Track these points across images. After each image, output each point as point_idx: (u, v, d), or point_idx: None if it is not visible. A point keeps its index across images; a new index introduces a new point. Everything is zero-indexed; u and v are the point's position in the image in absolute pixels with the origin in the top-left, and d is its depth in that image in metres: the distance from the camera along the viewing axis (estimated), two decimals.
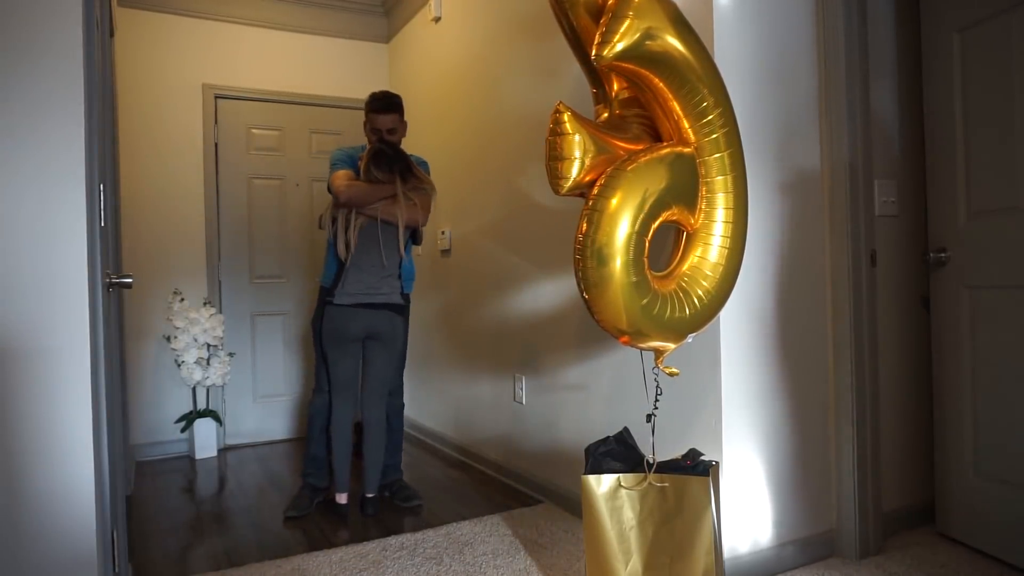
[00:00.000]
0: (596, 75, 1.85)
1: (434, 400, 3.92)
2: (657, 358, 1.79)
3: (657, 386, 1.88)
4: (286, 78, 4.17)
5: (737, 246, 1.74)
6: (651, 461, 1.80)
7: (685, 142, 1.68)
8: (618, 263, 1.55)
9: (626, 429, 1.89)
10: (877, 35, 2.34)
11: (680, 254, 1.75)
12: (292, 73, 4.19)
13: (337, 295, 2.69)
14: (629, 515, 1.80)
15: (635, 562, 1.79)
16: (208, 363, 3.69)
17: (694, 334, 1.74)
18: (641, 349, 1.76)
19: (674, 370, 1.78)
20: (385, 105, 2.81)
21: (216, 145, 4.00)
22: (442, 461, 3.55)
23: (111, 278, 1.67)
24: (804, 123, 2.19)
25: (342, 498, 2.74)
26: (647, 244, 1.60)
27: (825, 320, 2.22)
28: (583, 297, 1.63)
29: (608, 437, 1.87)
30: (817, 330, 2.21)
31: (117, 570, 1.71)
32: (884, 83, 2.39)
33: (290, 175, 4.21)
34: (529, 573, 2.16)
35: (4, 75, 1.32)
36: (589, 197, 1.60)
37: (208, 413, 3.75)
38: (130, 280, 1.77)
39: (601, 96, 1.87)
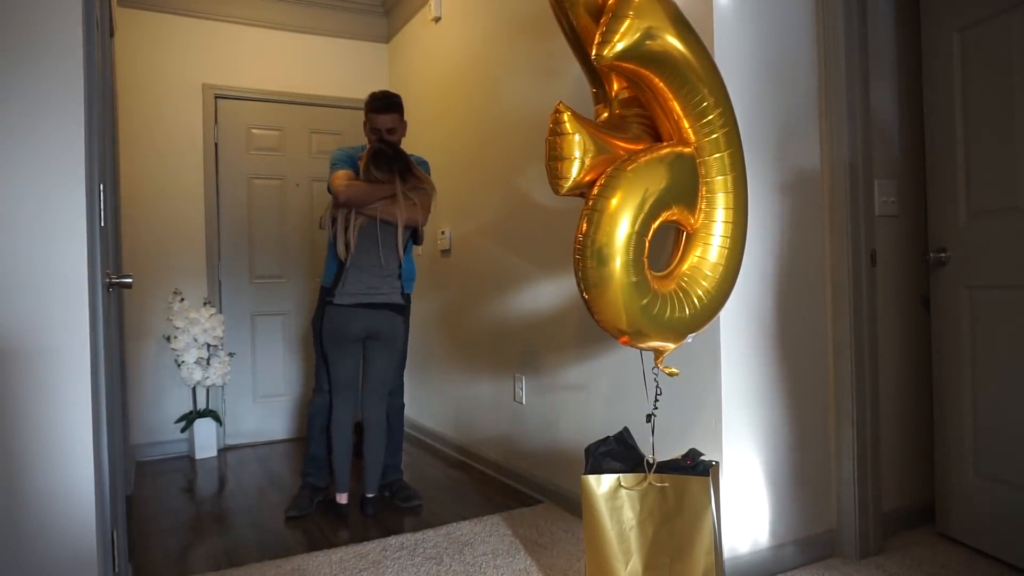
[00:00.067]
0: (596, 75, 1.85)
1: (434, 400, 3.92)
2: (657, 358, 1.79)
3: (657, 386, 1.88)
4: (286, 78, 4.17)
5: (737, 246, 1.74)
6: (651, 461, 1.80)
7: (685, 142, 1.68)
8: (618, 263, 1.55)
9: (626, 429, 1.89)
10: (877, 35, 2.34)
11: (680, 254, 1.75)
12: (292, 73, 4.19)
13: (337, 295, 2.69)
14: (629, 515, 1.80)
15: (635, 562, 1.79)
16: (208, 363, 3.69)
17: (694, 334, 1.74)
18: (641, 349, 1.76)
19: (674, 370, 1.78)
20: (385, 105, 2.81)
21: (216, 145, 4.00)
22: (442, 461, 3.55)
23: (111, 278, 1.67)
24: (804, 123, 2.19)
25: (342, 498, 2.74)
26: (647, 244, 1.60)
27: (825, 320, 2.22)
28: (583, 297, 1.63)
29: (608, 437, 1.87)
30: (817, 330, 2.21)
31: (117, 570, 1.71)
32: (884, 83, 2.39)
33: (290, 175, 4.21)
34: (529, 573, 2.16)
35: (4, 75, 1.32)
36: (589, 197, 1.60)
37: (208, 413, 3.75)
38: (130, 280, 1.77)
39: (601, 96, 1.87)
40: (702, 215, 1.71)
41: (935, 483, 2.34)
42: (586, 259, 1.57)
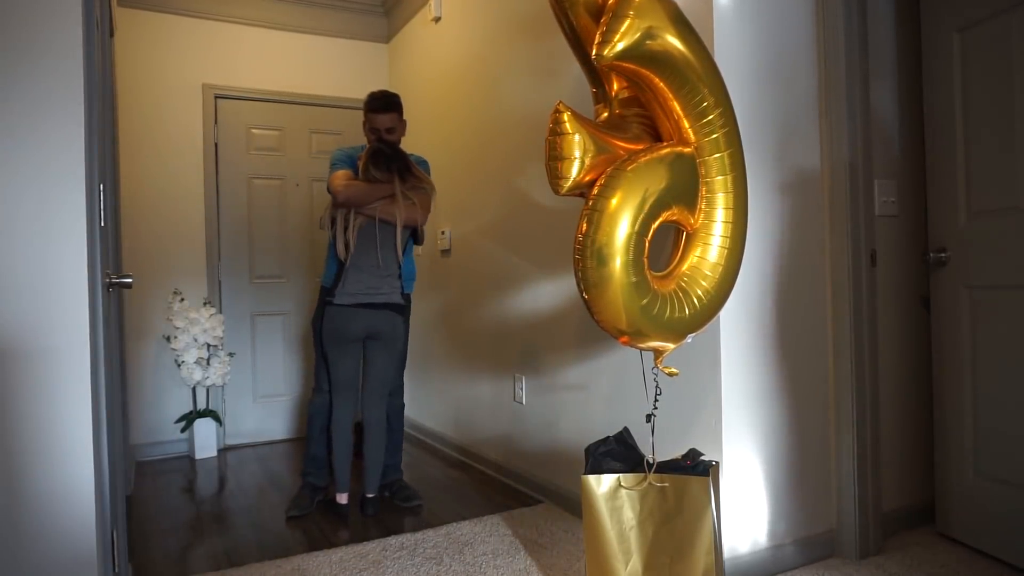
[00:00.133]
0: (596, 75, 1.85)
1: (434, 400, 3.92)
2: (656, 358, 1.79)
3: (657, 386, 1.88)
4: (286, 78, 4.17)
5: (737, 246, 1.74)
6: (651, 461, 1.80)
7: (685, 142, 1.68)
8: (618, 263, 1.55)
9: (626, 429, 1.89)
10: (877, 35, 2.34)
11: (680, 254, 1.75)
12: (292, 73, 4.19)
13: (337, 295, 2.69)
14: (629, 515, 1.80)
15: (635, 562, 1.79)
16: (208, 363, 3.69)
17: (693, 334, 1.74)
18: (641, 349, 1.76)
19: (673, 370, 1.78)
20: (383, 104, 2.81)
21: (216, 145, 4.00)
22: (442, 461, 3.55)
23: (111, 278, 1.67)
24: (804, 123, 2.19)
25: (342, 498, 2.74)
26: (647, 244, 1.60)
27: (825, 320, 2.22)
28: (583, 297, 1.63)
29: (608, 437, 1.87)
30: (817, 330, 2.21)
31: (117, 570, 1.71)
32: (884, 83, 2.39)
33: (290, 175, 4.21)
34: (529, 573, 2.16)
35: (4, 75, 1.32)
36: (589, 197, 1.60)
37: (208, 413, 3.75)
38: (130, 280, 1.77)
39: (601, 96, 1.87)
40: (702, 215, 1.71)
41: (935, 483, 2.34)
42: (586, 259, 1.57)
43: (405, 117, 2.91)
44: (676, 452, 1.86)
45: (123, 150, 3.60)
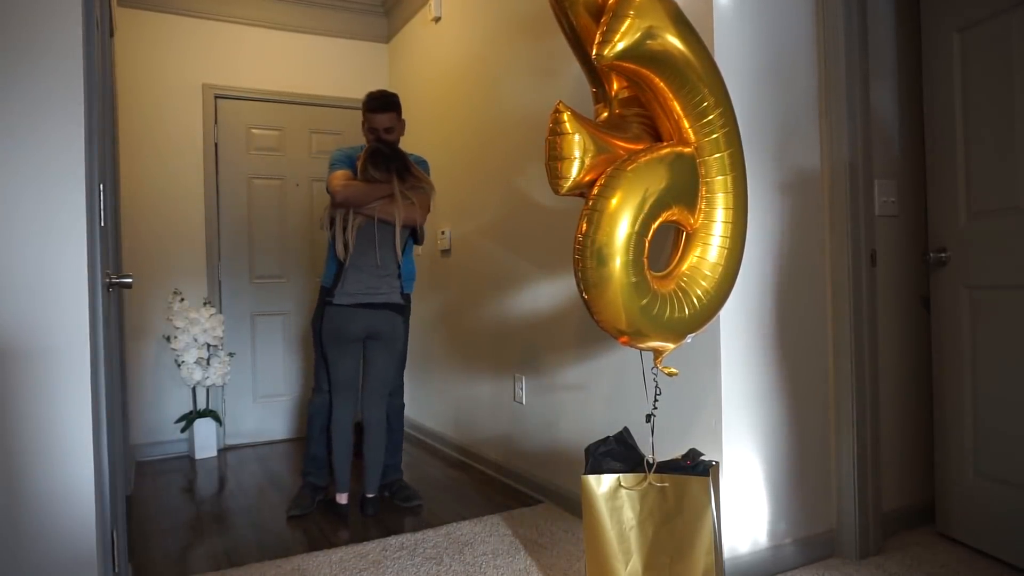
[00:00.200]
0: (596, 74, 1.85)
1: (434, 400, 3.92)
2: (656, 358, 1.79)
3: (656, 386, 1.88)
4: (286, 78, 4.17)
5: (736, 246, 1.73)
6: (651, 461, 1.80)
7: (685, 142, 1.68)
8: (618, 263, 1.55)
9: (626, 429, 1.89)
10: (877, 35, 2.34)
11: (679, 254, 1.75)
12: (292, 73, 4.19)
13: (337, 295, 2.69)
14: (629, 515, 1.80)
15: (635, 562, 1.79)
16: (208, 363, 3.69)
17: (693, 334, 1.74)
18: (640, 349, 1.76)
19: (673, 370, 1.78)
20: (382, 104, 2.81)
21: (216, 145, 4.00)
22: (442, 461, 3.55)
23: (111, 278, 1.67)
24: (804, 123, 2.19)
25: (342, 498, 2.74)
26: (647, 244, 1.60)
27: (825, 320, 2.22)
28: (583, 297, 1.63)
29: (608, 437, 1.87)
30: (817, 330, 2.21)
31: (117, 570, 1.71)
32: (884, 83, 2.39)
33: (290, 175, 4.21)
34: (529, 573, 2.16)
35: (4, 75, 1.32)
36: (589, 197, 1.60)
37: (208, 413, 3.75)
38: (130, 280, 1.77)
39: (601, 95, 1.87)
40: (702, 215, 1.71)
41: (935, 483, 2.34)
42: (586, 259, 1.57)
43: (404, 117, 2.91)
44: (676, 452, 1.86)
45: (123, 150, 3.60)
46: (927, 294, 2.42)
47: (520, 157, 3.02)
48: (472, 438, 3.49)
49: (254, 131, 4.12)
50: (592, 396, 2.57)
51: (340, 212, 2.68)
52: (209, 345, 3.70)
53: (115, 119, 2.97)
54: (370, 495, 2.74)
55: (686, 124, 1.67)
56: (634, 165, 1.59)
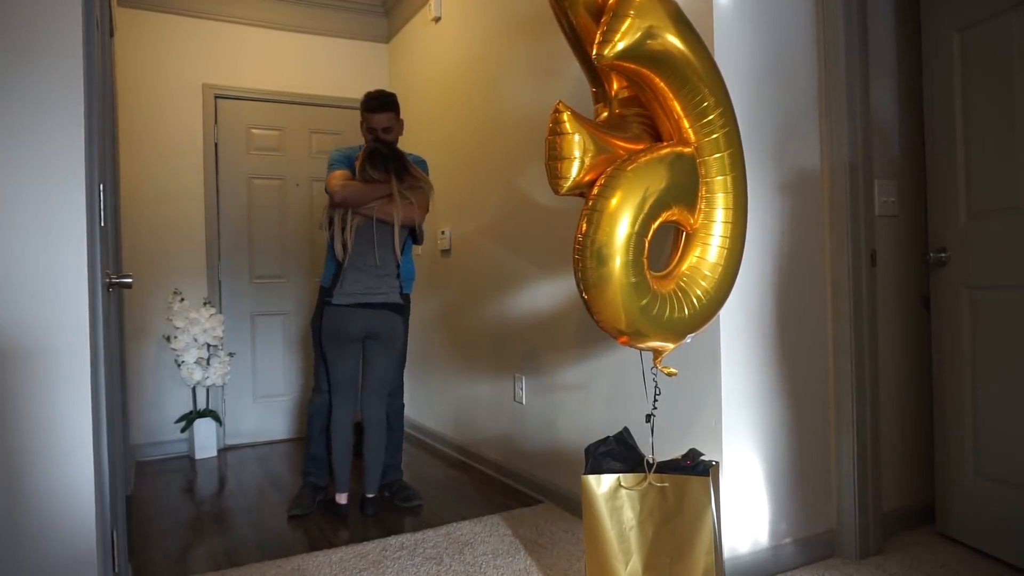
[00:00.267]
0: (596, 74, 1.85)
1: (434, 400, 3.92)
2: (656, 358, 1.79)
3: (656, 386, 1.88)
4: (286, 78, 4.17)
5: (736, 246, 1.73)
6: (651, 461, 1.80)
7: (685, 142, 1.68)
8: (617, 263, 1.55)
9: (626, 429, 1.89)
10: (877, 35, 2.34)
11: (679, 254, 1.75)
12: (292, 73, 4.19)
13: (336, 295, 2.69)
14: (629, 515, 1.80)
15: (635, 562, 1.79)
16: (208, 363, 3.69)
17: (693, 334, 1.74)
18: (640, 349, 1.76)
19: (672, 370, 1.78)
20: (380, 104, 2.81)
21: (216, 145, 4.00)
22: (442, 461, 3.55)
23: (111, 278, 1.67)
24: (804, 123, 2.19)
25: (342, 498, 2.74)
26: (647, 244, 1.60)
27: (825, 320, 2.22)
28: (582, 297, 1.63)
29: (608, 437, 1.87)
30: (817, 330, 2.21)
31: (117, 570, 1.71)
32: (884, 83, 2.39)
33: (290, 175, 4.21)
34: (529, 573, 2.16)
35: (4, 75, 1.32)
36: (589, 197, 1.60)
37: (208, 413, 3.75)
38: (130, 280, 1.77)
39: (601, 95, 1.87)
40: (702, 215, 1.71)
41: (935, 483, 2.34)
42: (585, 259, 1.57)
43: (404, 117, 2.91)
44: (676, 452, 1.86)
45: (123, 150, 3.60)
46: (927, 294, 2.42)
47: (520, 157, 3.02)
48: (472, 438, 3.49)
49: (254, 131, 4.12)
50: (592, 396, 2.57)
51: (338, 212, 2.68)
52: (209, 345, 3.70)
53: (115, 119, 2.97)
54: (370, 495, 2.74)
55: (686, 124, 1.67)
56: (634, 165, 1.59)
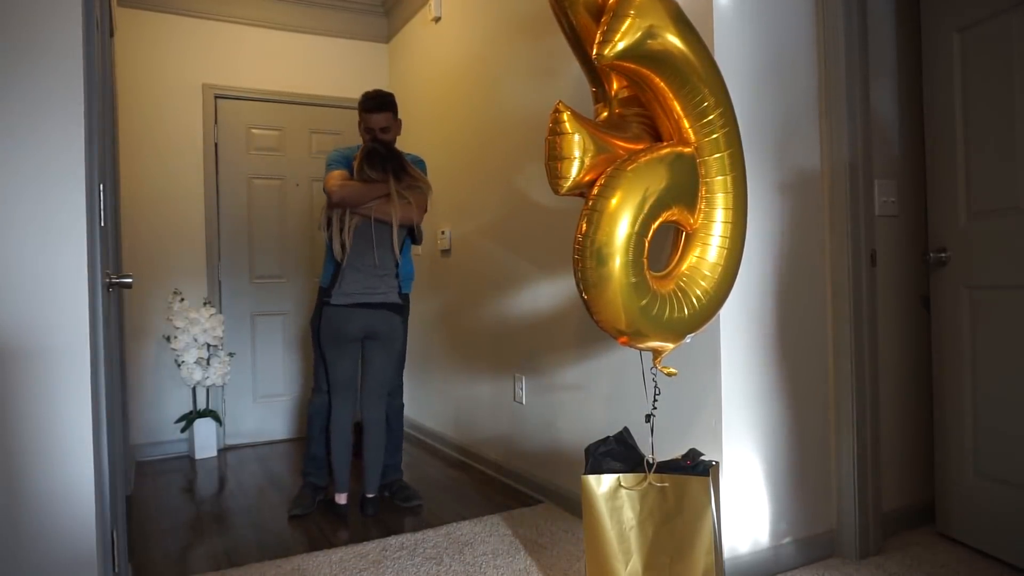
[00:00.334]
0: (596, 74, 1.85)
1: (434, 400, 3.92)
2: (656, 358, 1.79)
3: (656, 386, 1.88)
4: (286, 78, 4.17)
5: (736, 246, 1.73)
6: (651, 461, 1.80)
7: (685, 142, 1.68)
8: (617, 263, 1.55)
9: (626, 429, 1.89)
10: (877, 35, 2.34)
11: (679, 254, 1.75)
12: (292, 73, 4.19)
13: (334, 295, 2.69)
14: (629, 515, 1.80)
15: (635, 562, 1.79)
16: (208, 363, 3.69)
17: (693, 334, 1.74)
18: (640, 349, 1.76)
19: (672, 370, 1.78)
20: (378, 104, 2.81)
21: (216, 145, 4.00)
22: (442, 461, 3.55)
23: (111, 278, 1.67)
24: (804, 123, 2.19)
25: (342, 498, 2.74)
26: (647, 244, 1.60)
27: (825, 320, 2.22)
28: (582, 297, 1.63)
29: (608, 437, 1.87)
30: (817, 330, 2.21)
31: (117, 570, 1.71)
32: (884, 83, 2.39)
33: (290, 175, 4.21)
34: (529, 573, 2.16)
35: (4, 75, 1.32)
36: (589, 197, 1.60)
37: (208, 413, 3.75)
38: (130, 280, 1.77)
39: (601, 95, 1.87)
40: (701, 215, 1.71)
41: (935, 483, 2.34)
42: (585, 259, 1.57)
43: (404, 117, 2.91)
44: (676, 452, 1.86)
45: (123, 150, 3.60)
46: (927, 294, 2.42)
47: (520, 157, 3.02)
48: (472, 438, 3.49)
49: (254, 131, 4.12)
50: (592, 396, 2.57)
51: (337, 212, 2.68)
52: (209, 345, 3.70)
53: (115, 119, 2.97)
54: (370, 495, 2.74)
55: (686, 124, 1.67)
56: (634, 165, 1.59)
